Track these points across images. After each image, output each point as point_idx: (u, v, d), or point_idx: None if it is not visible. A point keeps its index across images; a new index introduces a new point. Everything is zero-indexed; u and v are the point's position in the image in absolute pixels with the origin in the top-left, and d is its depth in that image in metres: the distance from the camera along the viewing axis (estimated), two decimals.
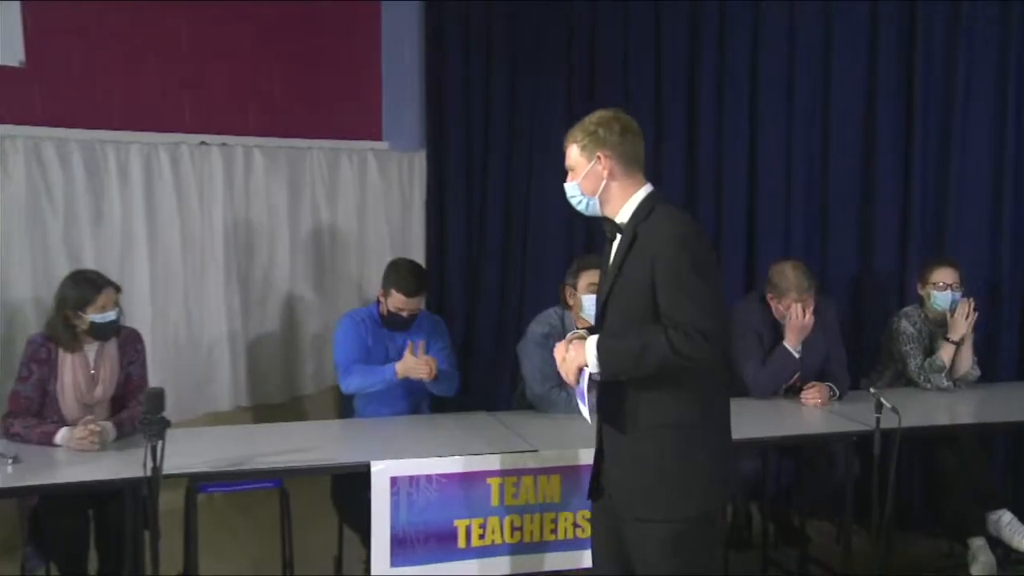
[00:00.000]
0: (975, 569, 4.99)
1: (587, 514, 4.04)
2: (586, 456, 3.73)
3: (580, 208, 3.33)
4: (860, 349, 5.80)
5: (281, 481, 4.48)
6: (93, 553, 4.32)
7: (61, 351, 4.33)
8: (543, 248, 6.44)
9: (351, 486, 4.32)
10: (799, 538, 5.07)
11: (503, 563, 4.26)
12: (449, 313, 6.35)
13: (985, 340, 5.51)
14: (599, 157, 3.22)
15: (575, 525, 4.26)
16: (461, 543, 4.18)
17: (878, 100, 5.89)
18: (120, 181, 5.56)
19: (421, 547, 4.12)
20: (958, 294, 5.31)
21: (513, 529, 4.24)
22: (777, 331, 5.14)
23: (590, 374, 3.19)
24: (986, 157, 5.77)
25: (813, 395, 5.03)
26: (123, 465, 3.94)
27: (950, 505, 5.16)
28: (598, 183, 3.25)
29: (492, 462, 4.20)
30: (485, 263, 6.73)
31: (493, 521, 4.22)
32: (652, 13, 6.35)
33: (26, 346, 4.36)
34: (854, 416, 4.76)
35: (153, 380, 4.65)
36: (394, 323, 4.88)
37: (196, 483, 3.99)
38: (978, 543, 5.04)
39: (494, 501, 4.20)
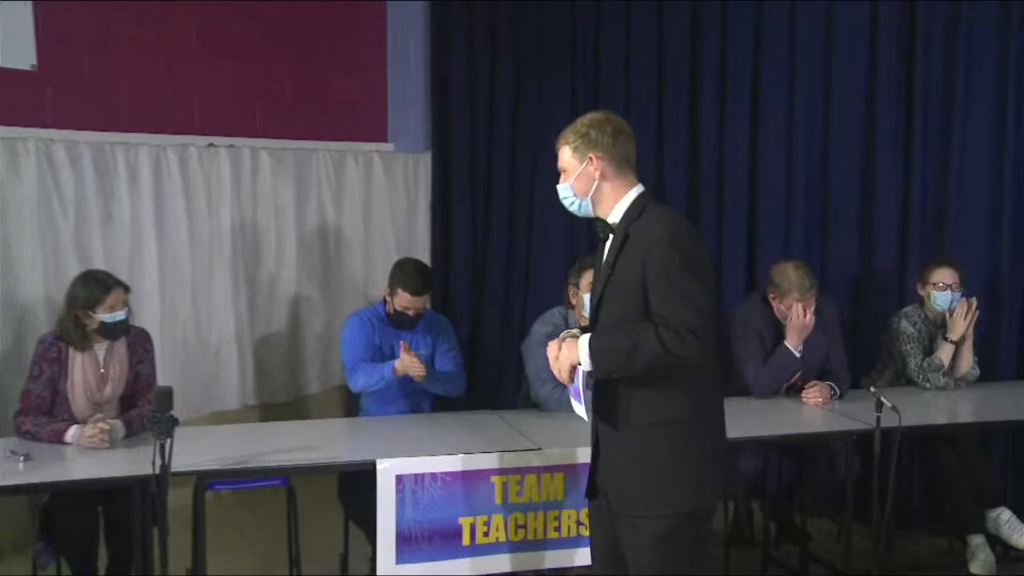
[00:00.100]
0: (974, 567, 5.01)
1: None
2: (588, 455, 3.77)
3: (572, 209, 3.35)
4: (860, 349, 5.82)
5: (288, 479, 4.52)
6: (103, 550, 4.36)
7: (71, 350, 4.36)
8: (547, 248, 6.46)
9: (358, 484, 4.34)
10: (800, 536, 5.09)
11: (507, 560, 4.28)
12: (454, 313, 6.37)
13: (985, 340, 5.52)
14: (591, 158, 3.24)
15: (578, 523, 4.28)
16: (465, 540, 4.20)
17: (878, 100, 5.92)
18: (129, 182, 5.59)
19: (426, 544, 4.15)
20: (958, 294, 5.32)
21: (517, 527, 4.26)
22: (778, 331, 5.16)
23: (584, 373, 3.21)
24: (986, 157, 5.79)
25: (814, 394, 5.06)
26: (132, 463, 3.97)
27: (950, 503, 5.19)
28: (590, 184, 3.27)
29: (496, 460, 4.23)
30: (490, 263, 6.74)
31: (497, 519, 4.24)
32: (655, 13, 6.37)
33: (37, 345, 4.39)
34: (855, 415, 4.79)
35: (161, 379, 4.70)
36: (400, 322, 4.92)
37: (204, 481, 4.02)
38: (977, 541, 5.06)
39: (498, 499, 4.22)
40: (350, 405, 5.19)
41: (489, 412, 5.00)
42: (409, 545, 4.13)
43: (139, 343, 4.55)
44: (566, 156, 3.31)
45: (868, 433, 4.35)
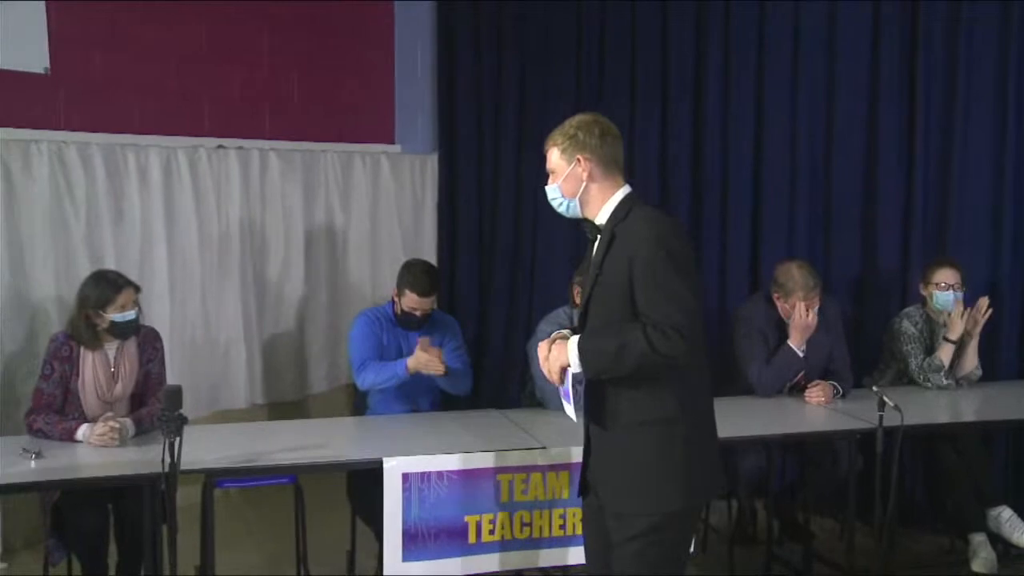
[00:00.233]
0: (975, 565, 5.04)
1: None
2: None
3: (561, 210, 3.37)
4: (862, 348, 5.82)
5: (295, 477, 4.53)
6: (113, 547, 4.38)
7: (82, 349, 4.39)
8: (552, 248, 6.47)
9: (366, 482, 4.37)
10: (803, 534, 5.10)
11: (512, 558, 4.31)
12: (460, 312, 6.38)
13: (986, 339, 5.52)
14: (579, 160, 3.27)
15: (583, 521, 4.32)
16: (471, 538, 4.23)
17: (880, 100, 5.94)
18: (140, 183, 5.62)
19: (432, 542, 4.17)
20: (960, 294, 5.35)
21: (522, 525, 4.28)
22: (781, 330, 5.18)
23: (574, 373, 3.23)
24: (987, 157, 5.81)
25: (817, 393, 5.08)
26: (142, 461, 4.01)
27: (951, 502, 5.21)
28: (578, 185, 3.29)
29: (502, 459, 4.25)
30: (496, 263, 6.75)
31: (502, 517, 4.26)
32: (659, 14, 6.38)
33: (48, 344, 4.43)
34: (857, 414, 4.82)
35: (171, 378, 4.75)
36: (408, 322, 4.95)
37: (212, 479, 4.04)
38: (979, 539, 5.09)
39: (503, 497, 4.25)
40: (357, 404, 5.23)
41: (494, 411, 5.03)
42: (415, 543, 4.15)
43: (149, 342, 4.58)
44: (554, 158, 3.34)
45: (870, 432, 4.37)
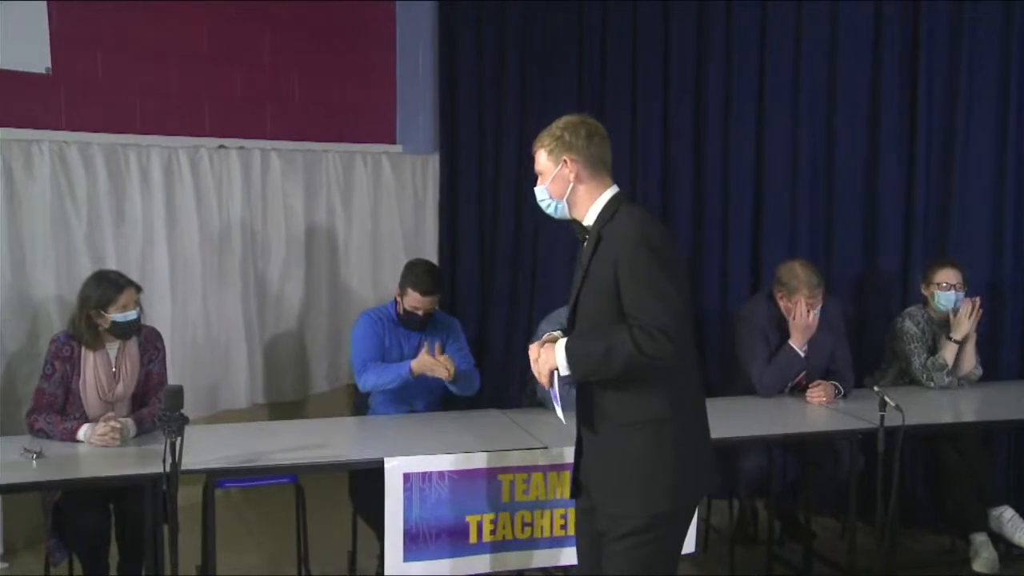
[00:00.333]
0: (977, 565, 5.04)
1: None
2: None
3: (549, 211, 3.37)
4: (864, 348, 5.82)
5: (296, 477, 4.55)
6: (114, 547, 4.39)
7: (84, 349, 4.39)
8: (554, 248, 6.46)
9: (368, 482, 4.37)
10: (804, 534, 5.09)
11: (514, 558, 4.32)
12: (461, 313, 6.39)
13: (987, 339, 5.53)
14: (565, 161, 3.27)
15: None
16: (473, 538, 4.23)
17: (882, 101, 5.93)
18: (141, 184, 5.62)
19: (433, 542, 4.17)
20: (961, 294, 5.35)
21: (524, 525, 4.29)
22: (783, 330, 5.18)
23: (562, 376, 3.23)
24: (989, 157, 5.80)
25: (818, 393, 5.08)
26: (143, 461, 4.01)
27: (952, 501, 5.21)
28: (565, 186, 3.29)
29: (503, 459, 4.26)
30: (497, 263, 6.76)
31: (504, 517, 4.26)
32: (661, 14, 6.38)
33: (50, 344, 4.43)
34: (859, 414, 4.83)
35: (172, 378, 4.75)
36: (410, 322, 4.96)
37: (214, 479, 4.05)
38: (980, 539, 5.09)
39: (505, 497, 4.25)
40: (358, 404, 5.23)
41: (496, 411, 5.03)
42: (416, 543, 4.16)
43: (150, 342, 4.59)
44: (542, 159, 3.34)
45: (872, 432, 4.37)
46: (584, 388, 3.28)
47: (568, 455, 4.21)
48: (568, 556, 4.31)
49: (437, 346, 4.82)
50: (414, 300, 4.89)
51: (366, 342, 4.95)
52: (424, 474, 4.15)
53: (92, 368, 4.42)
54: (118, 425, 4.21)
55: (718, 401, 4.98)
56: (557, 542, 4.34)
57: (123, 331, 4.44)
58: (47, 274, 5.23)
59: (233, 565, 4.85)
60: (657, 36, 6.41)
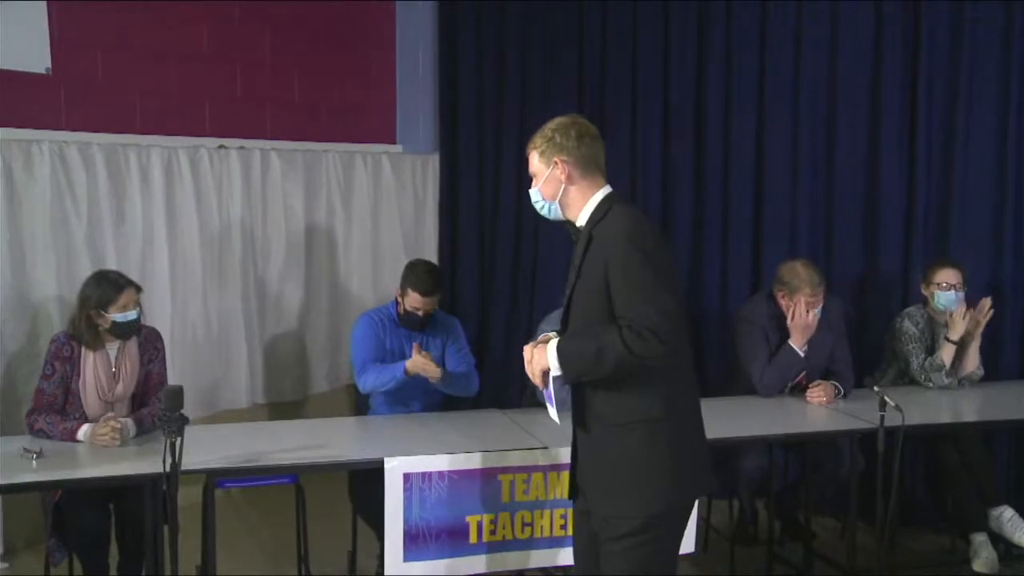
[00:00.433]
0: (977, 565, 5.05)
1: None
2: None
3: (544, 213, 3.38)
4: (864, 348, 5.83)
5: (297, 477, 4.56)
6: (114, 547, 4.39)
7: (84, 349, 4.39)
8: (554, 248, 6.44)
9: (368, 482, 4.37)
10: (804, 534, 5.09)
11: (514, 558, 4.32)
12: (461, 313, 6.38)
13: (987, 339, 5.52)
14: (556, 162, 3.27)
15: None
16: (472, 538, 4.23)
17: (882, 101, 5.93)
18: (141, 184, 5.61)
19: (433, 542, 4.17)
20: (961, 294, 5.35)
21: (524, 525, 4.29)
22: (783, 330, 5.18)
23: (555, 377, 3.24)
24: (989, 157, 5.81)
25: (818, 393, 5.08)
26: (143, 461, 4.01)
27: (952, 501, 5.22)
28: (557, 187, 3.30)
29: (503, 459, 4.26)
30: (497, 263, 6.76)
31: (504, 517, 4.26)
32: (661, 15, 6.38)
33: (49, 344, 4.43)
34: (859, 414, 4.82)
35: (172, 378, 4.75)
36: (410, 322, 4.95)
37: (214, 479, 4.05)
38: (980, 539, 5.10)
39: (505, 497, 4.25)
40: (358, 404, 5.23)
41: (496, 411, 5.03)
42: (416, 543, 4.16)
43: (150, 342, 4.59)
44: (534, 161, 3.35)
45: (872, 432, 4.37)
46: (577, 389, 3.28)
47: (568, 455, 4.24)
48: (567, 556, 4.29)
49: (416, 346, 4.80)
50: (414, 300, 4.89)
51: (366, 343, 4.95)
52: (424, 474, 4.15)
53: (92, 368, 4.41)
54: (118, 425, 4.20)
55: (718, 401, 4.99)
56: (557, 542, 4.34)
57: (123, 331, 4.43)
58: (47, 274, 5.22)
59: (233, 565, 4.85)
60: (657, 36, 6.41)
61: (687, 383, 3.29)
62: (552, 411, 3.37)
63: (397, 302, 5.02)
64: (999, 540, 5.12)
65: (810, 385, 5.15)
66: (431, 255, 6.78)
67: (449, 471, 4.18)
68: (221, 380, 6.09)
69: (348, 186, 6.74)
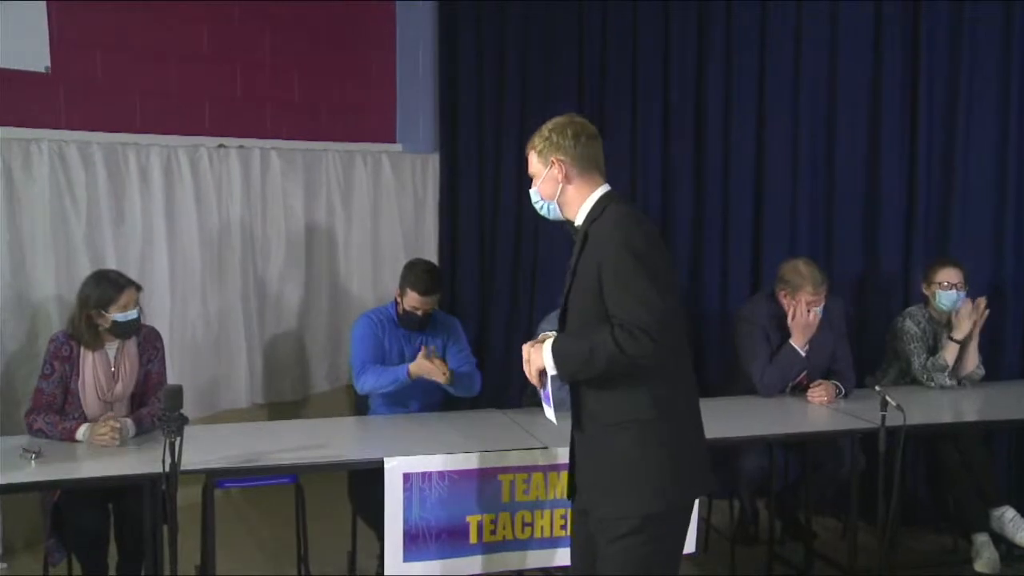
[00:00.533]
0: (978, 565, 5.05)
1: None
2: None
3: (543, 213, 3.38)
4: (865, 348, 5.82)
5: (296, 477, 4.55)
6: (113, 547, 4.38)
7: (83, 349, 4.39)
8: (554, 248, 6.42)
9: (368, 482, 4.37)
10: (805, 534, 5.09)
11: (514, 558, 4.31)
12: (461, 313, 6.38)
13: (988, 339, 5.52)
14: (553, 162, 3.27)
15: None
16: (472, 538, 4.23)
17: (882, 101, 5.93)
18: (141, 183, 5.61)
19: (433, 542, 4.17)
20: (962, 293, 5.34)
21: (524, 525, 4.29)
22: (783, 330, 5.17)
23: (551, 376, 3.24)
24: (990, 157, 5.80)
25: (819, 393, 5.08)
26: (142, 461, 4.01)
27: (953, 501, 5.22)
28: (555, 187, 3.30)
29: (503, 459, 4.25)
30: (497, 263, 6.77)
31: (504, 517, 4.26)
32: (661, 15, 6.38)
33: (49, 344, 4.42)
34: (859, 414, 4.82)
35: (171, 377, 4.75)
36: (409, 322, 4.95)
37: (213, 479, 4.05)
38: (982, 539, 5.09)
39: (505, 497, 4.25)
40: (358, 404, 5.22)
41: (496, 411, 5.03)
42: (416, 543, 4.15)
43: (149, 342, 4.58)
44: (533, 161, 3.35)
45: (873, 432, 4.37)
46: (574, 389, 3.28)
47: (568, 455, 4.23)
48: (567, 556, 4.24)
49: (433, 350, 4.81)
50: (413, 300, 4.88)
51: (365, 343, 4.94)
52: (424, 474, 4.14)
53: (91, 368, 4.41)
54: (117, 425, 4.20)
55: (718, 401, 4.99)
56: (557, 542, 4.33)
57: (124, 331, 4.43)
58: (46, 273, 5.22)
59: (233, 565, 4.85)
60: (657, 36, 6.41)
61: (686, 383, 3.28)
62: (549, 411, 3.37)
63: (396, 302, 5.02)
64: (1000, 540, 5.11)
65: (811, 385, 5.15)
66: (431, 255, 6.78)
67: (449, 471, 4.17)
68: (221, 380, 6.09)
69: (348, 186, 6.74)
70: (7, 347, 5.09)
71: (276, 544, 5.33)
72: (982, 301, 5.36)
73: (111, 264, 5.25)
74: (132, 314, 4.40)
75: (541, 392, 3.35)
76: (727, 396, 5.21)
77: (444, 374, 4.74)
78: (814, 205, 6.16)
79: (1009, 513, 5.09)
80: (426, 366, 4.72)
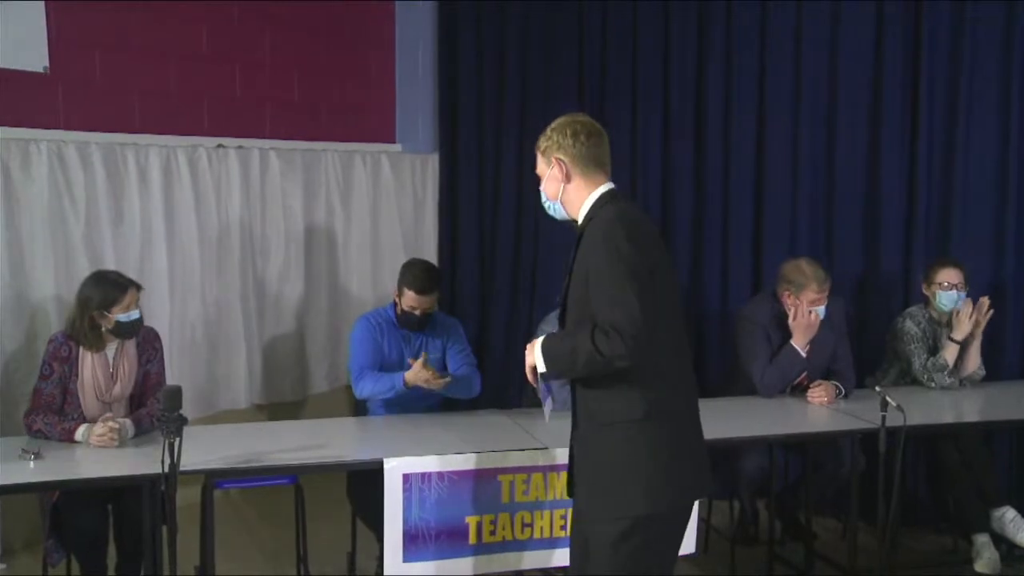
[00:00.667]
0: (979, 565, 5.04)
1: None
2: None
3: (551, 212, 3.39)
4: (865, 348, 5.82)
5: (296, 477, 4.55)
6: (112, 548, 4.39)
7: (81, 349, 4.38)
8: (554, 248, 6.43)
9: (367, 483, 4.36)
10: (805, 534, 5.08)
11: (514, 559, 4.31)
12: (461, 313, 6.39)
13: (988, 339, 5.51)
14: (554, 161, 3.29)
15: None
16: (472, 539, 4.22)
17: (883, 101, 5.92)
18: (139, 183, 5.60)
19: (433, 543, 4.16)
20: (963, 294, 5.34)
21: (523, 525, 4.28)
22: (784, 330, 5.17)
23: (542, 374, 3.26)
24: (990, 158, 5.80)
25: (820, 393, 5.07)
26: (141, 461, 4.00)
27: (953, 501, 5.21)
28: (558, 186, 3.31)
29: (503, 459, 4.25)
30: (496, 263, 6.77)
31: (504, 517, 4.26)
32: (661, 15, 6.38)
33: (47, 344, 4.41)
34: (860, 414, 4.82)
35: (171, 378, 4.75)
36: (408, 322, 4.93)
37: (212, 479, 4.05)
38: (982, 540, 5.09)
39: (504, 498, 4.24)
40: (358, 404, 5.21)
41: (496, 411, 5.03)
42: (416, 544, 4.15)
43: (148, 342, 4.57)
44: (539, 161, 3.37)
45: (873, 432, 4.37)
46: (573, 388, 3.29)
47: (567, 455, 4.23)
48: (566, 557, 4.24)
49: (424, 357, 4.77)
50: (411, 299, 4.87)
51: (363, 347, 4.93)
52: (423, 475, 4.14)
53: (90, 368, 4.40)
54: (116, 425, 4.19)
55: (718, 401, 4.99)
56: (556, 543, 4.33)
57: (126, 331, 4.42)
58: (45, 274, 5.21)
59: (232, 566, 4.85)
60: (657, 36, 6.41)
61: (686, 384, 3.28)
62: (544, 409, 3.38)
63: (395, 303, 5.01)
64: (1001, 541, 5.11)
65: (811, 385, 5.14)
66: (431, 255, 6.78)
67: (448, 471, 4.17)
68: (220, 380, 6.09)
69: (347, 186, 6.74)
70: (6, 347, 5.09)
71: (276, 544, 5.33)
72: (985, 301, 5.35)
73: (110, 264, 5.25)
74: (135, 314, 4.40)
75: (541, 388, 3.34)
76: (727, 396, 5.20)
77: (440, 384, 4.73)
78: (814, 205, 6.15)
79: (1009, 513, 5.09)
80: (422, 375, 4.70)
